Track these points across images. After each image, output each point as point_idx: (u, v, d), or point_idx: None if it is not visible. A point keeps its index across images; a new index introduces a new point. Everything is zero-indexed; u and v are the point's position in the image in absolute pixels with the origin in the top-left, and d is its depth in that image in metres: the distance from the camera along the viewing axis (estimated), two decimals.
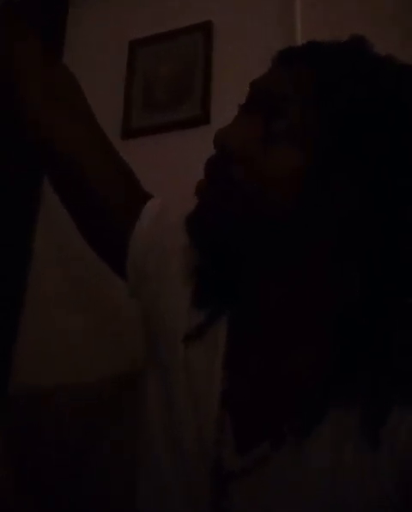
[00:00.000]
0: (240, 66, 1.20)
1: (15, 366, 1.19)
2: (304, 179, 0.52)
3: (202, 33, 1.26)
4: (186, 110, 1.22)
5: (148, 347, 0.69)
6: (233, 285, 0.62)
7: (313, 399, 0.53)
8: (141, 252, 0.67)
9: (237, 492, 0.54)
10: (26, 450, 1.00)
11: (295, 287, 0.56)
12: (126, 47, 1.36)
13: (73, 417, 1.03)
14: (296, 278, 0.56)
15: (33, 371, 1.16)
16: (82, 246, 0.75)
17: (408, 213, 0.52)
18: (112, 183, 0.69)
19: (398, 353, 0.52)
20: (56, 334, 1.18)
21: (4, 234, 1.25)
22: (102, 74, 1.38)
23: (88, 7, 1.47)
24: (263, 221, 0.53)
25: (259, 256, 0.56)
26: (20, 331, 1.22)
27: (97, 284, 1.14)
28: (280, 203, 0.52)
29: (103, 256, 0.72)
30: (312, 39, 0.58)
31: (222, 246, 0.57)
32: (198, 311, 0.63)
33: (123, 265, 0.68)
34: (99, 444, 1.00)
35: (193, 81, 1.24)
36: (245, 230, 0.54)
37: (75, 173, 0.69)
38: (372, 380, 0.51)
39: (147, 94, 1.29)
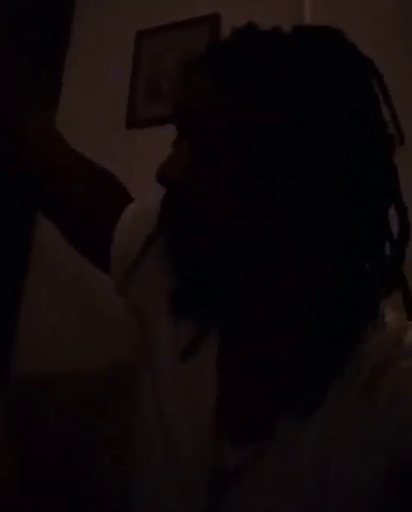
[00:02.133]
0: None
1: (14, 359, 1.20)
2: (246, 179, 0.52)
3: (209, 25, 1.26)
4: None
5: (139, 348, 0.70)
6: (214, 291, 0.63)
7: (303, 395, 0.53)
8: (122, 254, 0.68)
9: (234, 492, 0.55)
10: (23, 446, 1.00)
11: (274, 286, 0.57)
12: (133, 38, 1.36)
13: (68, 412, 1.03)
14: (274, 278, 0.57)
15: (32, 364, 1.16)
16: None
17: (374, 208, 0.53)
18: (90, 195, 0.70)
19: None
20: (52, 330, 1.18)
21: (3, 233, 1.25)
22: (109, 64, 1.38)
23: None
24: (219, 223, 0.54)
25: (234, 262, 0.57)
26: (18, 327, 1.23)
27: (93, 281, 1.14)
28: (228, 204, 0.53)
29: (89, 258, 0.74)
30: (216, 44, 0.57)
31: (195, 257, 0.57)
32: (184, 317, 0.64)
33: (108, 266, 0.69)
34: (93, 441, 1.00)
35: None
36: (209, 235, 0.55)
37: (51, 188, 0.71)
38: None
39: (152, 85, 1.29)
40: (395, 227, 0.55)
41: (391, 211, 0.55)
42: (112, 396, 0.99)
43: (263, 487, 0.54)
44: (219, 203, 0.53)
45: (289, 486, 0.52)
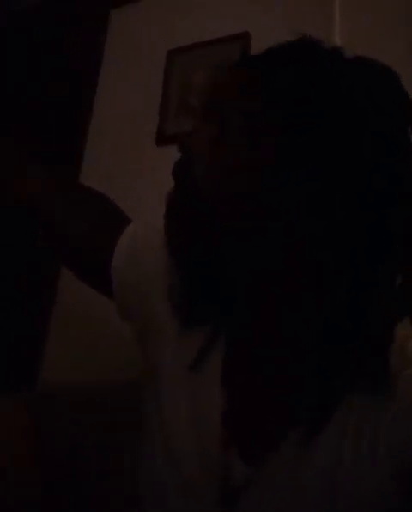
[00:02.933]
0: None
1: (43, 366, 1.21)
2: (259, 179, 0.53)
3: (239, 43, 1.28)
4: None
5: (144, 365, 0.70)
6: (221, 299, 0.62)
7: (314, 405, 0.53)
8: (122, 279, 0.68)
9: (243, 504, 0.55)
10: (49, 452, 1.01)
11: (281, 290, 0.56)
12: (164, 55, 1.38)
13: (86, 417, 1.04)
14: (280, 282, 0.56)
15: (60, 371, 1.18)
16: None
17: (391, 213, 0.52)
18: (87, 229, 0.71)
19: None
20: (82, 338, 1.20)
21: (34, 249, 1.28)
22: (140, 81, 1.41)
23: (130, 15, 1.51)
24: (226, 221, 0.54)
25: (238, 262, 0.56)
26: (48, 333, 1.25)
27: None
28: (238, 201, 0.53)
29: (92, 285, 0.74)
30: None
31: (199, 255, 0.57)
32: (188, 332, 0.63)
33: (111, 293, 0.69)
34: (105, 455, 1.00)
35: None
36: (215, 233, 0.54)
37: (50, 230, 0.73)
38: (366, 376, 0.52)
39: (182, 102, 1.31)
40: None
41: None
42: (123, 411, 0.99)
43: (272, 498, 0.54)
44: (234, 191, 0.53)
45: (298, 496, 0.52)
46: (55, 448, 0.99)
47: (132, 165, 1.27)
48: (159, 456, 0.61)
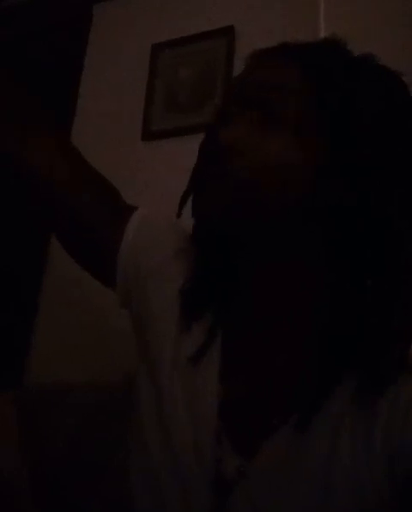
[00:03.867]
0: None
1: (29, 362, 1.21)
2: (302, 171, 0.53)
3: (224, 37, 1.27)
4: (207, 113, 1.23)
5: (139, 357, 0.69)
6: (225, 287, 0.62)
7: (307, 397, 0.54)
8: (128, 265, 0.67)
9: (237, 498, 0.55)
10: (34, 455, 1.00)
11: (289, 283, 0.57)
12: (149, 50, 1.37)
13: (76, 420, 1.03)
14: (290, 275, 0.57)
15: (47, 368, 1.17)
16: None
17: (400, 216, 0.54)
18: (93, 205, 0.68)
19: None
20: (67, 334, 1.19)
21: (20, 244, 1.27)
22: (124, 76, 1.40)
23: (112, 10, 1.49)
24: (261, 214, 0.53)
25: (255, 251, 0.57)
26: (35, 329, 1.24)
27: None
28: (278, 194, 0.53)
29: (91, 272, 0.72)
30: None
31: (221, 241, 0.57)
32: (188, 324, 0.63)
33: (112, 279, 0.68)
34: (99, 450, 1.00)
35: (214, 84, 1.25)
36: (244, 224, 0.54)
37: (51, 195, 0.68)
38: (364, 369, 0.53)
39: (168, 97, 1.31)
40: None
41: None
42: (117, 406, 0.99)
43: (263, 492, 0.54)
44: (279, 180, 0.53)
45: (293, 490, 0.52)
46: (43, 445, 0.99)
47: (117, 160, 1.26)
48: (155, 450, 0.60)
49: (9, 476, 0.90)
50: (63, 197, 0.67)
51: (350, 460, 0.51)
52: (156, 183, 1.16)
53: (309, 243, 0.55)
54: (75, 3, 1.56)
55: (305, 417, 0.53)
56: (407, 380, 0.52)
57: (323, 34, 1.19)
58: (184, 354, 0.62)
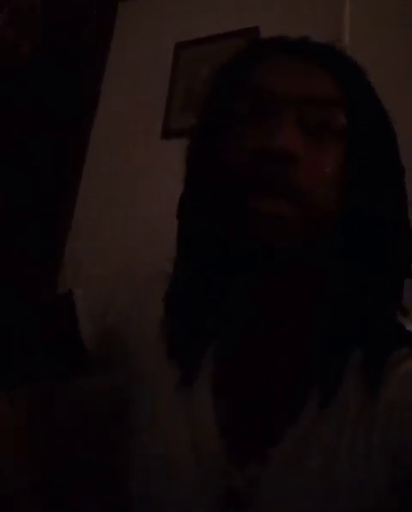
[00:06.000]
0: None
1: None
2: (345, 181, 0.54)
3: (248, 37, 1.27)
4: None
5: (129, 373, 0.67)
6: (222, 292, 0.60)
7: (317, 391, 0.53)
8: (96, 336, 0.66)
9: (247, 509, 0.54)
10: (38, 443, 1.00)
11: (291, 284, 0.56)
12: (172, 49, 1.38)
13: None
14: (292, 276, 0.56)
15: None
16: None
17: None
18: None
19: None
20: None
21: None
22: (147, 74, 1.41)
23: (138, 7, 1.50)
24: (312, 227, 0.53)
25: (274, 259, 0.55)
26: None
27: None
28: (328, 203, 0.53)
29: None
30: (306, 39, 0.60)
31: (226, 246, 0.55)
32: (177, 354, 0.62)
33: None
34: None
35: None
36: (294, 236, 0.52)
37: None
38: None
39: (189, 96, 1.31)
40: None
41: None
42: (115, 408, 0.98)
43: (272, 502, 0.53)
44: (331, 189, 0.54)
45: (298, 501, 0.52)
46: (41, 445, 0.99)
47: (137, 158, 1.27)
48: (154, 468, 0.59)
49: (9, 476, 0.90)
50: None
51: (351, 464, 0.50)
52: (173, 181, 1.16)
53: (314, 246, 0.55)
54: (101, 0, 1.56)
55: (325, 403, 0.53)
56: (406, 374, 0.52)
57: (347, 38, 1.19)
58: (176, 373, 0.60)
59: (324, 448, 0.52)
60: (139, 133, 1.34)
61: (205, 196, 0.57)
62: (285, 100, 0.54)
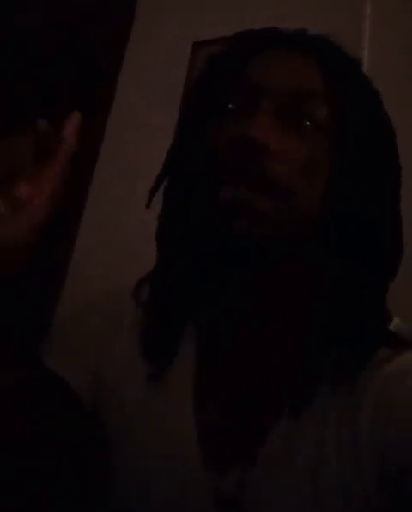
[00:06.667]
0: None
1: None
2: (330, 175, 0.53)
3: None
4: None
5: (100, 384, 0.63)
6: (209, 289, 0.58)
7: (302, 392, 0.53)
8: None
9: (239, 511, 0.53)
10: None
11: (286, 281, 0.55)
12: (190, 47, 1.38)
13: None
14: (287, 273, 0.55)
15: None
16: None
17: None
18: None
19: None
20: None
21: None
22: (164, 70, 1.40)
23: (157, 5, 1.50)
24: (295, 222, 0.52)
25: (263, 256, 0.54)
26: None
27: None
28: (309, 197, 0.52)
29: None
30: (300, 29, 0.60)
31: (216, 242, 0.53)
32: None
33: None
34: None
35: None
36: (278, 231, 0.51)
37: None
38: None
39: None
40: None
41: None
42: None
43: (262, 500, 0.52)
44: (313, 183, 0.53)
45: (286, 501, 0.51)
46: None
47: (152, 153, 1.26)
48: (135, 480, 0.57)
49: None
50: None
51: (337, 460, 0.50)
52: None
53: (301, 241, 0.54)
54: None
55: (299, 407, 0.52)
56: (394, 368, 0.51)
57: (367, 40, 1.18)
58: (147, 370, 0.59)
59: (310, 446, 0.51)
60: (156, 129, 1.34)
61: (185, 188, 0.57)
62: (264, 91, 0.54)
